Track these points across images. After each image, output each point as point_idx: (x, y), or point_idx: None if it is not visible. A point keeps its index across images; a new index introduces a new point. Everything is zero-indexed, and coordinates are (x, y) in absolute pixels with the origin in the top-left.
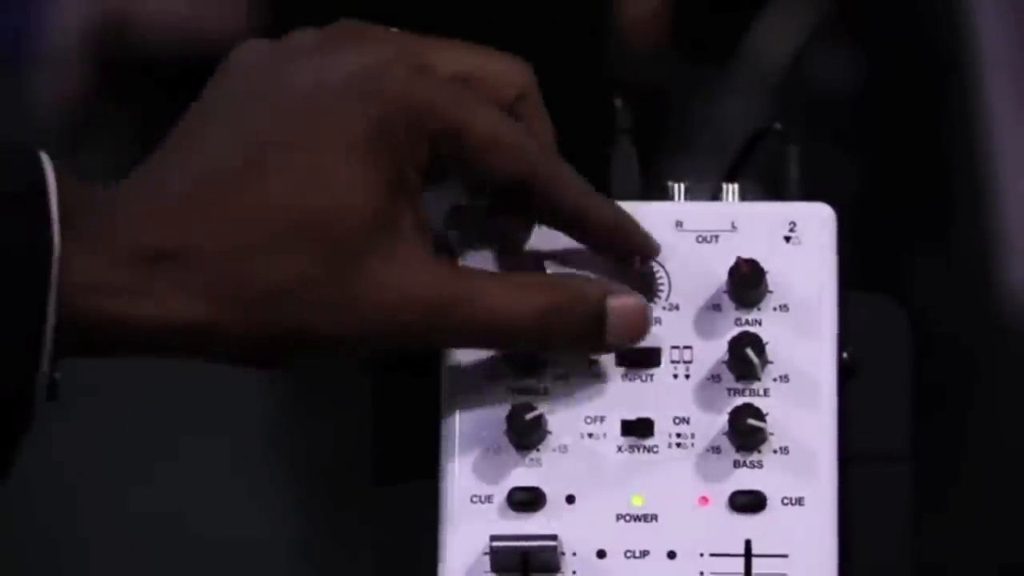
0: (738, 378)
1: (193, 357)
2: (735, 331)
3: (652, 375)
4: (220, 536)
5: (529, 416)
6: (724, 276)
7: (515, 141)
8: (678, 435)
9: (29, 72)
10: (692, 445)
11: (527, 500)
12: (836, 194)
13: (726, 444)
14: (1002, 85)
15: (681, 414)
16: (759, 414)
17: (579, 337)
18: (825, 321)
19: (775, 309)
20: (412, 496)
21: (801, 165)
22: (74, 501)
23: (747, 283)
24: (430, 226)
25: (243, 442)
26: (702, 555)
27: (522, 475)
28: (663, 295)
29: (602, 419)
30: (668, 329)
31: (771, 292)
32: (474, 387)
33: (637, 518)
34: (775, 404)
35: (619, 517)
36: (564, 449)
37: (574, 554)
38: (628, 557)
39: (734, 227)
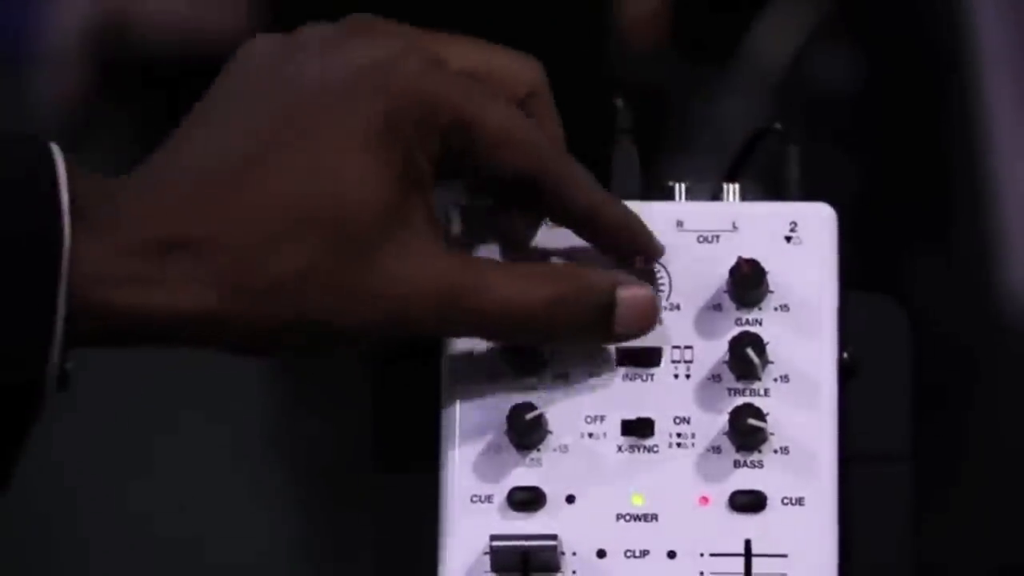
0: (738, 378)
1: (203, 347)
2: (736, 331)
3: (652, 375)
4: (220, 536)
5: (529, 416)
6: (725, 276)
7: (526, 136)
8: (678, 435)
9: (29, 72)
10: (692, 445)
11: (527, 500)
12: (836, 194)
13: (726, 444)
14: (1002, 85)
15: (681, 414)
16: (759, 414)
17: (587, 327)
18: (825, 321)
19: (776, 309)
20: (412, 495)
21: (801, 165)
22: (74, 500)
23: (748, 283)
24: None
25: (243, 441)
26: (702, 555)
27: (522, 475)
28: (664, 295)
29: (602, 419)
30: (669, 329)
31: (772, 292)
32: (474, 387)
33: (637, 518)
34: (775, 404)
35: (619, 517)
36: (564, 449)
37: (574, 554)
38: (628, 557)
39: (735, 227)
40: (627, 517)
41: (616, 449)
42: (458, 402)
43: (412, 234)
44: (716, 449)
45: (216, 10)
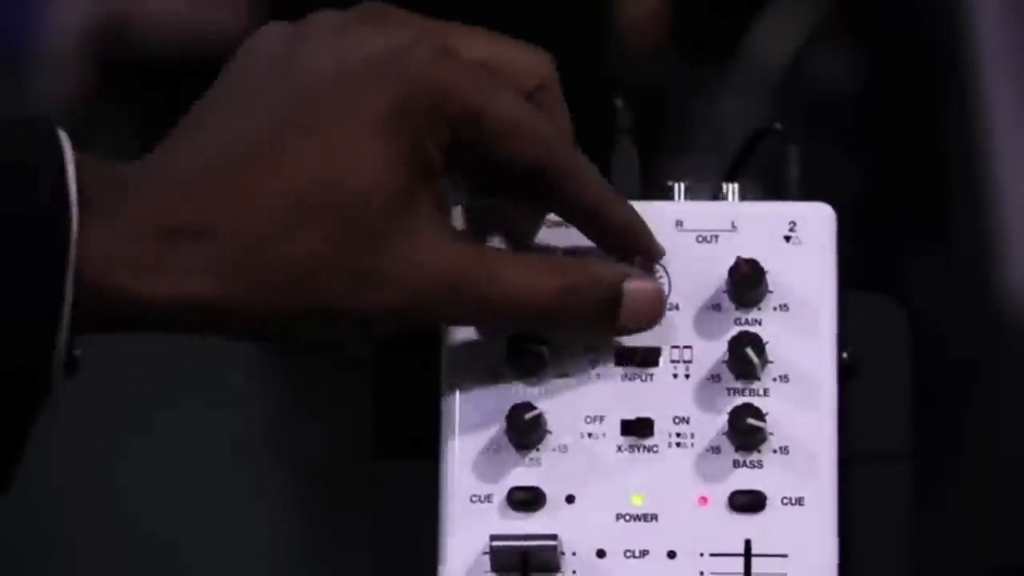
0: (738, 378)
1: (211, 334)
2: (735, 331)
3: (652, 375)
4: (219, 536)
5: (529, 415)
6: (724, 276)
7: (535, 128)
8: (678, 435)
9: (29, 72)
10: (692, 445)
11: (527, 500)
12: (836, 194)
13: (726, 444)
14: (1002, 85)
15: (681, 414)
16: (759, 414)
17: (594, 319)
18: (825, 321)
19: (775, 309)
20: (412, 495)
21: (801, 165)
22: (70, 501)
23: (747, 283)
24: None
25: (243, 440)
26: (702, 555)
27: (522, 475)
28: None
29: (602, 419)
30: (668, 329)
31: (771, 292)
32: (474, 386)
33: (637, 518)
34: (775, 404)
35: (619, 517)
36: (564, 449)
37: (574, 554)
38: (628, 557)
39: (734, 227)
40: (627, 517)
41: (616, 449)
42: (458, 401)
43: (422, 222)
44: (716, 449)
45: (216, 10)
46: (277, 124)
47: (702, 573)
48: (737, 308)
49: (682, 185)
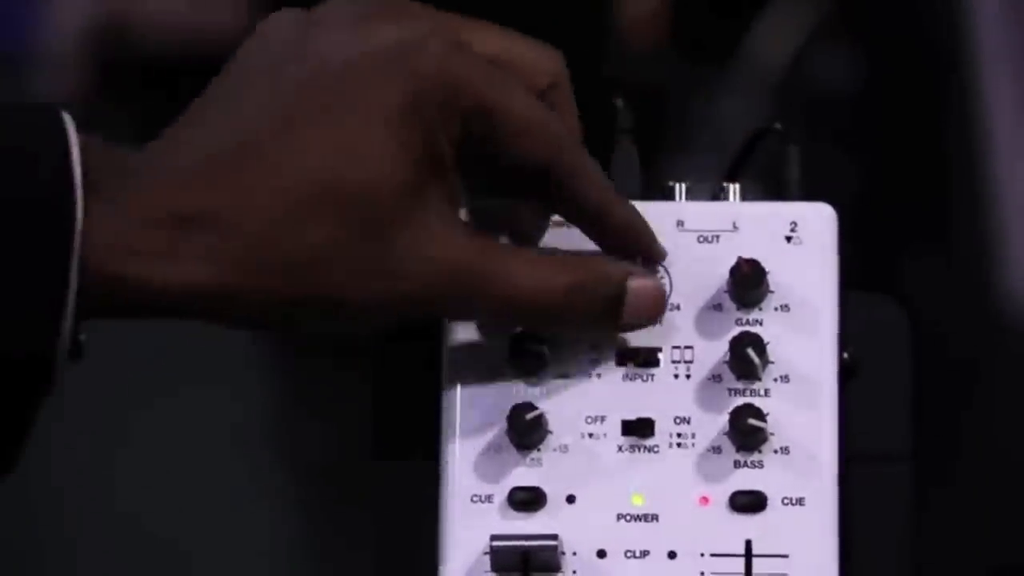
0: (739, 378)
1: (215, 321)
2: (736, 331)
3: (653, 375)
4: (220, 535)
5: (530, 416)
6: (725, 276)
7: (547, 126)
8: (679, 435)
9: (29, 72)
10: (693, 445)
11: (528, 500)
12: (836, 194)
13: (727, 444)
14: (1002, 85)
15: (682, 414)
16: (760, 414)
17: (599, 316)
18: (826, 321)
19: (776, 309)
20: (413, 495)
21: (801, 165)
22: (69, 501)
23: (748, 283)
24: None
25: (243, 440)
26: (702, 555)
27: (522, 475)
28: None
29: (603, 419)
30: (669, 329)
31: (772, 292)
32: (475, 386)
33: (637, 518)
34: (776, 404)
35: (619, 517)
36: (565, 449)
37: (574, 554)
38: (628, 557)
39: (735, 227)
40: (627, 517)
41: (616, 449)
42: (458, 401)
43: (432, 215)
44: (716, 449)
45: (216, 10)
46: (287, 113)
47: (703, 573)
48: (738, 308)
49: (682, 185)
